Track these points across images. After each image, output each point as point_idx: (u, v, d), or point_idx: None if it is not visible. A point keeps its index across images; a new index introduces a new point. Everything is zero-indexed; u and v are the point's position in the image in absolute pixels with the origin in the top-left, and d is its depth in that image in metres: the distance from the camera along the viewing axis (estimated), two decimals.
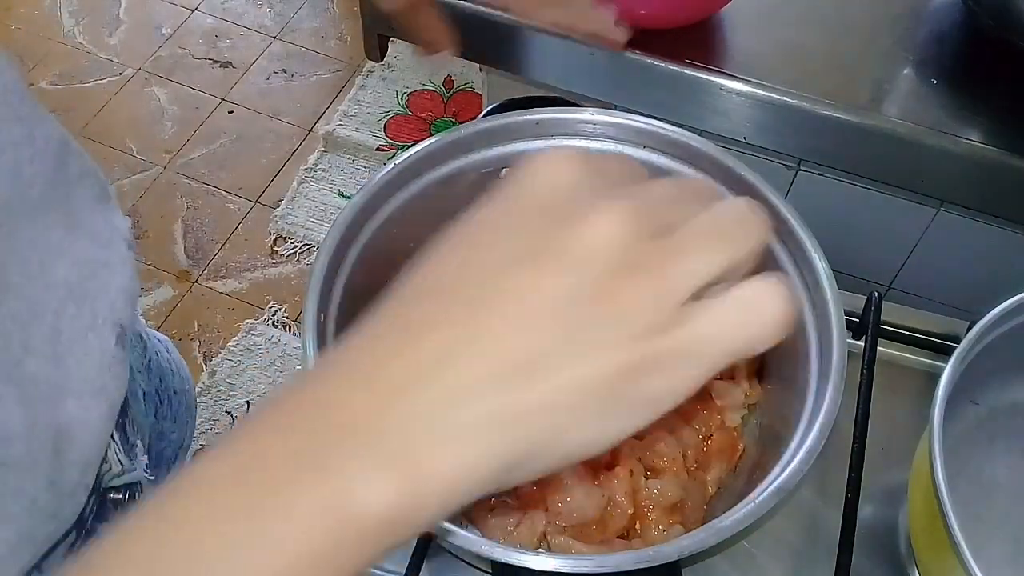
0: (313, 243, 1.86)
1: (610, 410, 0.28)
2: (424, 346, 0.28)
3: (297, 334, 1.73)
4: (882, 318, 0.64)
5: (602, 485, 0.55)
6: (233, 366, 1.70)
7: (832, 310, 0.54)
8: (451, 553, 0.56)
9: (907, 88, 0.73)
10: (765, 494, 0.48)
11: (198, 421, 1.60)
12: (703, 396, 0.60)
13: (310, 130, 2.05)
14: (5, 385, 0.43)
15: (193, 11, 2.27)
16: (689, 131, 0.63)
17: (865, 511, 0.57)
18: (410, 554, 0.53)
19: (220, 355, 1.71)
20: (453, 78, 2.08)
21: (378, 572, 0.55)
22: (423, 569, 0.53)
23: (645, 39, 0.73)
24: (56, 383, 0.46)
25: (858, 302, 0.65)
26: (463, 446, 0.27)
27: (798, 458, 0.49)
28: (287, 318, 1.76)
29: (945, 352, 0.64)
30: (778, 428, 0.55)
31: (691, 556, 0.47)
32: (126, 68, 2.15)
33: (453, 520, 0.51)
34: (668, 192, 0.31)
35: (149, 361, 0.68)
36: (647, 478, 0.56)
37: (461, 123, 0.63)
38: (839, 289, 0.55)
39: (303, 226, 1.88)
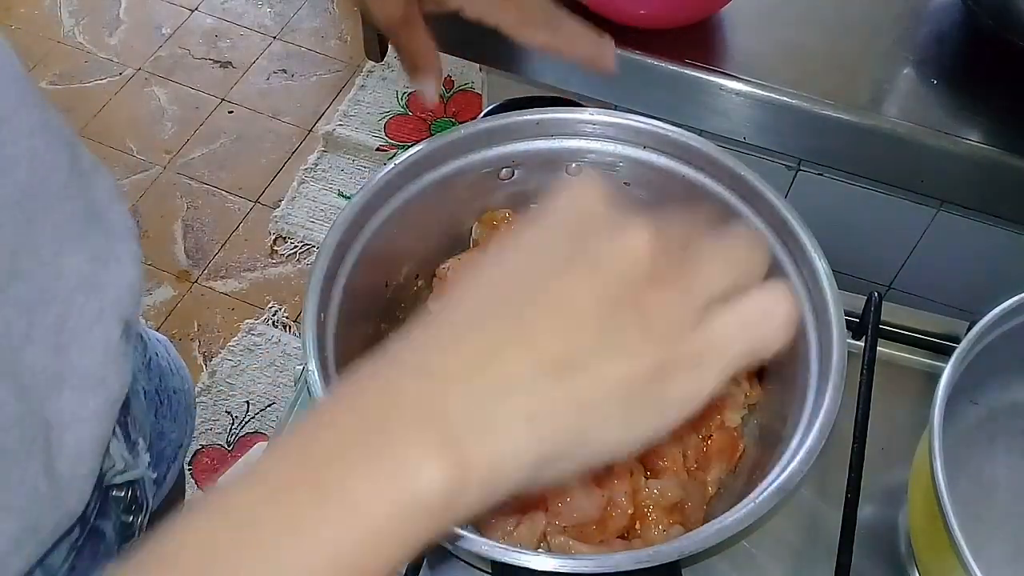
0: (313, 243, 1.86)
1: (634, 412, 0.31)
2: (473, 342, 0.30)
3: (297, 334, 1.73)
4: (882, 318, 0.64)
5: (602, 485, 0.55)
6: (233, 366, 1.70)
7: (832, 310, 0.54)
8: (451, 553, 0.56)
9: (907, 88, 0.73)
10: (765, 494, 0.48)
11: (198, 421, 1.60)
12: None
13: (310, 130, 2.05)
14: (2, 374, 0.43)
15: (193, 11, 2.27)
16: (689, 131, 0.63)
17: (865, 511, 0.57)
18: None
19: (220, 355, 1.71)
20: (453, 78, 2.08)
21: None
22: (423, 569, 0.53)
23: (645, 39, 0.73)
24: (55, 373, 0.46)
25: (858, 302, 0.65)
26: (504, 436, 0.29)
27: (798, 458, 0.49)
28: (287, 318, 1.76)
29: (945, 352, 0.64)
30: (778, 428, 0.55)
31: (691, 556, 0.47)
32: (126, 68, 2.15)
33: None
34: (679, 218, 0.35)
35: (149, 361, 0.68)
36: (647, 478, 0.56)
37: (461, 123, 0.63)
38: (839, 289, 0.55)
39: (303, 226, 1.89)
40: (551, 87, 0.77)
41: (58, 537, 0.50)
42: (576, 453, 0.31)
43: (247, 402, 1.65)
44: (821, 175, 0.77)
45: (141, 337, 0.68)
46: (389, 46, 0.82)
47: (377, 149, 2.00)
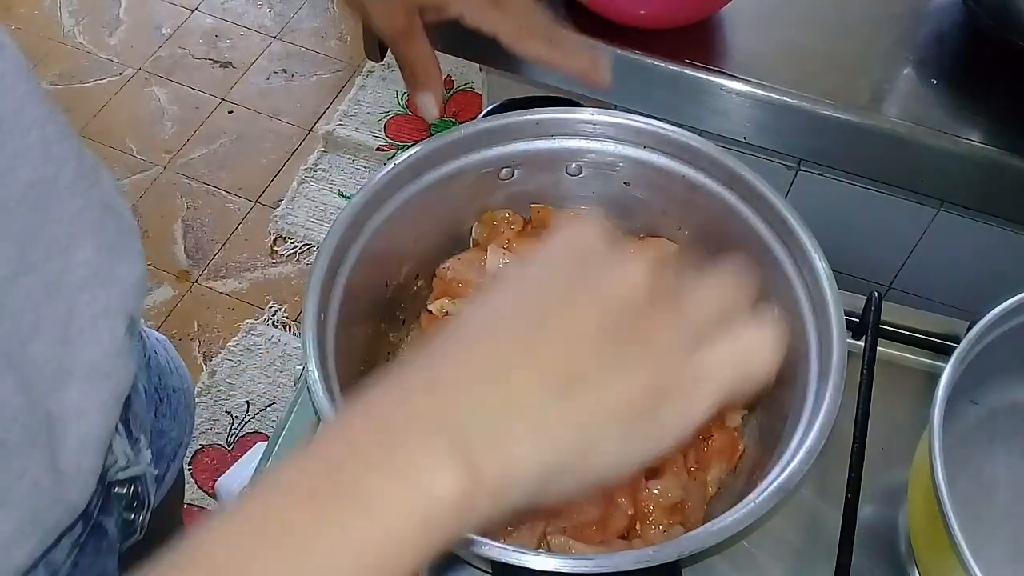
0: (313, 243, 1.86)
1: (632, 434, 0.33)
2: (484, 360, 0.32)
3: (297, 334, 1.73)
4: (882, 318, 0.64)
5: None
6: (233, 366, 1.70)
7: (832, 310, 0.54)
8: (451, 552, 0.56)
9: (907, 88, 0.73)
10: (765, 494, 0.48)
11: (198, 421, 1.60)
12: None
13: (310, 130, 2.05)
14: (8, 366, 0.43)
15: (193, 11, 2.27)
16: (689, 131, 0.63)
17: (865, 511, 0.57)
18: None
19: (220, 355, 1.71)
20: (453, 78, 2.08)
21: None
22: (423, 569, 0.53)
23: (645, 39, 0.73)
24: (61, 365, 0.47)
25: (858, 302, 0.65)
26: (513, 448, 0.31)
27: (798, 458, 0.49)
28: (287, 318, 1.76)
29: (945, 352, 0.64)
30: (778, 428, 0.55)
31: (691, 556, 0.47)
32: (126, 68, 2.15)
33: None
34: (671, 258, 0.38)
35: (148, 359, 0.68)
36: (647, 478, 0.56)
37: (461, 123, 0.63)
38: (839, 289, 0.55)
39: (303, 226, 1.89)
40: (551, 87, 0.77)
41: (61, 531, 0.50)
42: (577, 469, 0.33)
43: (247, 402, 1.65)
44: (821, 175, 0.77)
45: (140, 336, 0.68)
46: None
47: (377, 149, 2.00)
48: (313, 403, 0.51)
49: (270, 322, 1.75)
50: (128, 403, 0.57)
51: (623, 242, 0.37)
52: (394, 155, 2.02)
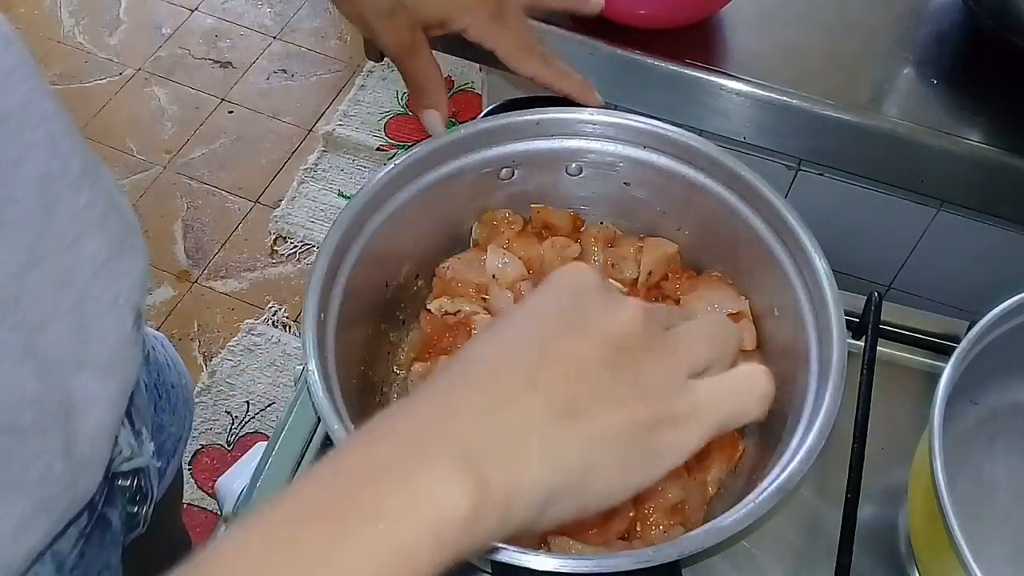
0: (313, 243, 1.86)
1: (629, 459, 0.35)
2: (493, 385, 0.34)
3: (297, 334, 1.73)
4: (882, 318, 0.64)
5: None
6: (233, 366, 1.70)
7: (832, 310, 0.54)
8: (457, 563, 0.56)
9: (907, 88, 0.73)
10: (765, 494, 0.48)
11: (198, 421, 1.60)
12: None
13: (310, 130, 2.05)
14: (24, 353, 0.44)
15: (193, 11, 2.27)
16: (689, 131, 0.63)
17: (865, 511, 0.57)
18: None
19: (220, 355, 1.71)
20: (453, 78, 2.08)
21: None
22: None
23: (645, 39, 0.73)
24: (74, 355, 0.47)
25: (858, 302, 0.65)
26: (520, 467, 0.33)
27: (798, 458, 0.49)
28: (287, 318, 1.76)
29: (945, 352, 0.64)
30: (778, 428, 0.55)
31: (691, 556, 0.47)
32: (126, 68, 2.15)
33: None
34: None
35: (147, 355, 0.68)
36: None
37: (461, 123, 0.63)
38: (839, 289, 0.55)
39: (303, 226, 1.89)
40: None
41: (70, 519, 0.51)
42: (578, 492, 0.35)
43: (247, 402, 1.65)
44: (821, 175, 0.77)
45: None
46: None
47: (377, 149, 2.00)
48: (313, 403, 0.51)
49: (270, 322, 1.75)
50: (130, 397, 0.58)
51: (614, 290, 0.40)
52: (394, 155, 2.03)
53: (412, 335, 0.66)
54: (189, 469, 1.57)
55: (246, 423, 1.63)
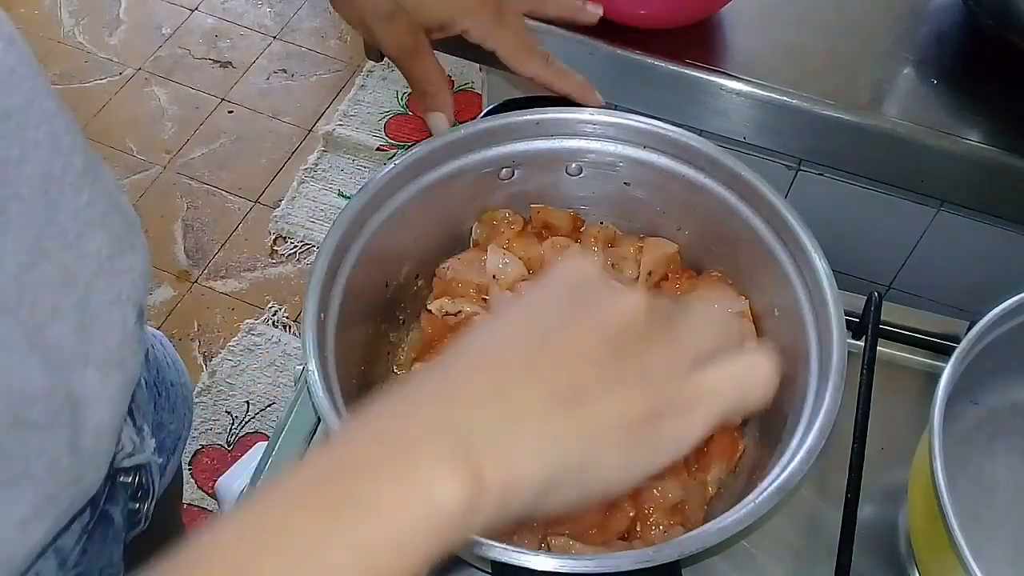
0: (313, 243, 1.86)
1: (631, 449, 0.35)
2: (493, 373, 0.34)
3: (297, 334, 1.73)
4: (882, 318, 0.64)
5: None
6: (233, 366, 1.69)
7: (832, 310, 0.54)
8: (451, 553, 0.56)
9: (907, 88, 0.73)
10: (765, 494, 0.48)
11: (199, 421, 1.60)
12: None
13: (310, 130, 2.05)
14: (31, 347, 0.44)
15: (193, 11, 2.27)
16: (689, 131, 0.63)
17: (865, 511, 0.57)
18: None
19: (220, 355, 1.71)
20: (453, 78, 2.08)
21: None
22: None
23: (645, 39, 0.73)
24: (79, 351, 0.48)
25: (858, 302, 0.65)
26: (518, 456, 0.32)
27: (798, 458, 0.49)
28: (287, 318, 1.76)
29: (945, 352, 0.64)
30: (778, 428, 0.55)
31: (691, 556, 0.47)
32: (126, 68, 2.15)
33: None
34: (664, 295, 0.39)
35: (146, 353, 0.69)
36: (647, 479, 0.56)
37: (461, 123, 0.63)
38: (839, 289, 0.55)
39: (303, 226, 1.88)
40: None
41: (74, 514, 0.51)
42: (579, 481, 0.34)
43: (247, 402, 1.65)
44: (821, 175, 0.77)
45: None
46: None
47: (377, 149, 2.00)
48: (313, 403, 0.51)
49: (270, 322, 1.75)
50: (132, 393, 0.58)
51: (616, 279, 0.39)
52: (394, 155, 2.03)
53: (412, 335, 0.66)
54: (189, 469, 1.57)
55: (246, 423, 1.63)
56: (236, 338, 1.73)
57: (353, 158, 1.99)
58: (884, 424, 0.61)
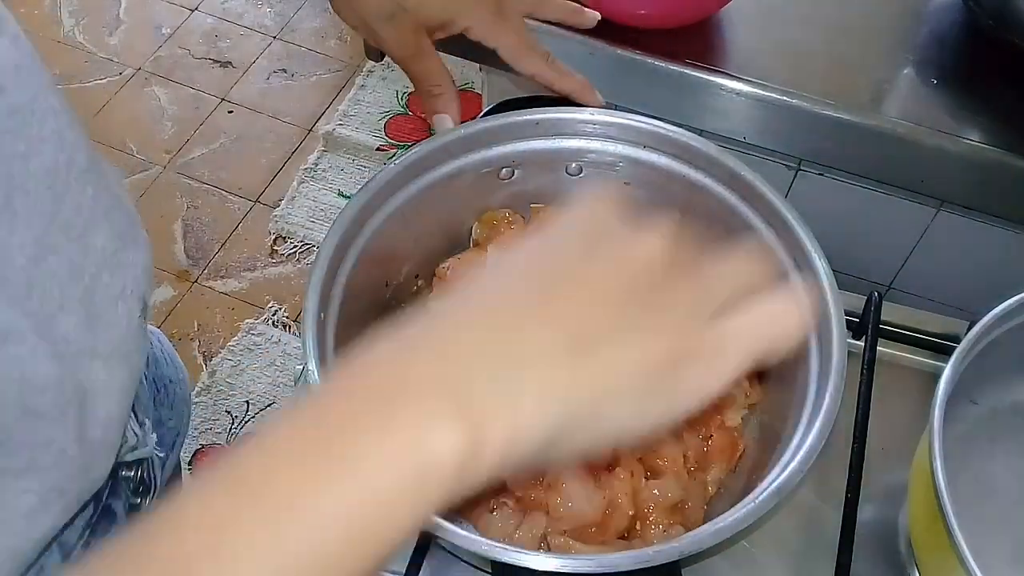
0: (313, 243, 1.86)
1: (648, 396, 0.33)
2: (496, 316, 0.32)
3: (297, 334, 1.73)
4: (882, 318, 0.64)
5: (603, 487, 0.55)
6: (233, 366, 1.69)
7: (832, 310, 0.54)
8: (451, 553, 0.56)
9: (907, 88, 0.73)
10: (765, 494, 0.48)
11: (198, 421, 1.60)
12: None
13: (310, 130, 2.05)
14: (39, 338, 0.44)
15: (193, 11, 2.27)
16: (689, 131, 0.63)
17: (865, 511, 0.57)
18: (410, 554, 0.53)
19: (220, 355, 1.71)
20: (453, 78, 2.08)
21: None
22: (423, 569, 0.53)
23: (645, 39, 0.73)
24: (86, 343, 0.48)
25: (858, 302, 0.65)
26: (520, 404, 0.30)
27: (798, 458, 0.49)
28: (287, 318, 1.76)
29: (945, 352, 0.64)
30: (778, 428, 0.55)
31: (691, 556, 0.47)
32: (126, 68, 2.15)
33: (453, 520, 0.51)
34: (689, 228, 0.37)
35: None
36: (647, 479, 0.56)
37: (461, 123, 0.64)
38: (839, 289, 0.55)
39: (303, 226, 1.88)
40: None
41: (81, 504, 0.51)
42: (588, 430, 0.32)
43: (247, 402, 1.65)
44: (821, 175, 0.77)
45: None
46: None
47: (377, 149, 2.00)
48: None
49: (270, 322, 1.75)
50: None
51: (637, 214, 0.36)
52: (394, 155, 2.03)
53: None
54: (189, 469, 1.57)
55: (246, 423, 1.63)
56: (236, 338, 1.73)
57: (353, 158, 1.99)
58: (884, 424, 0.61)
